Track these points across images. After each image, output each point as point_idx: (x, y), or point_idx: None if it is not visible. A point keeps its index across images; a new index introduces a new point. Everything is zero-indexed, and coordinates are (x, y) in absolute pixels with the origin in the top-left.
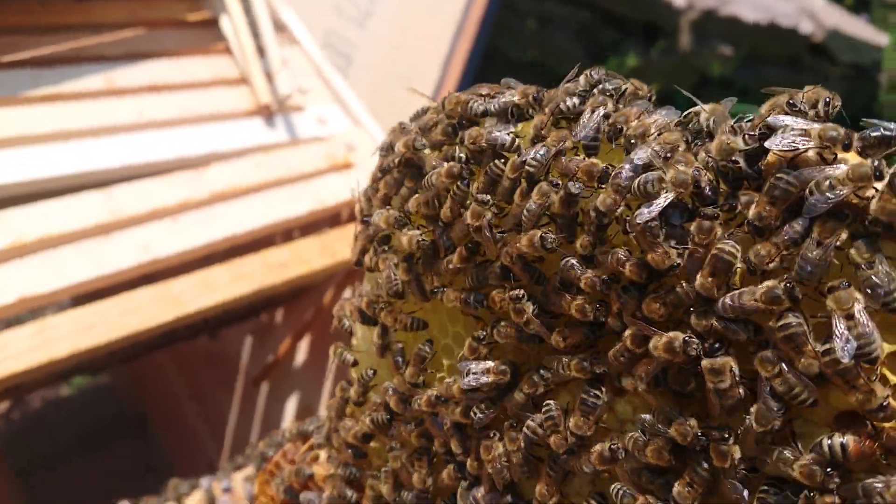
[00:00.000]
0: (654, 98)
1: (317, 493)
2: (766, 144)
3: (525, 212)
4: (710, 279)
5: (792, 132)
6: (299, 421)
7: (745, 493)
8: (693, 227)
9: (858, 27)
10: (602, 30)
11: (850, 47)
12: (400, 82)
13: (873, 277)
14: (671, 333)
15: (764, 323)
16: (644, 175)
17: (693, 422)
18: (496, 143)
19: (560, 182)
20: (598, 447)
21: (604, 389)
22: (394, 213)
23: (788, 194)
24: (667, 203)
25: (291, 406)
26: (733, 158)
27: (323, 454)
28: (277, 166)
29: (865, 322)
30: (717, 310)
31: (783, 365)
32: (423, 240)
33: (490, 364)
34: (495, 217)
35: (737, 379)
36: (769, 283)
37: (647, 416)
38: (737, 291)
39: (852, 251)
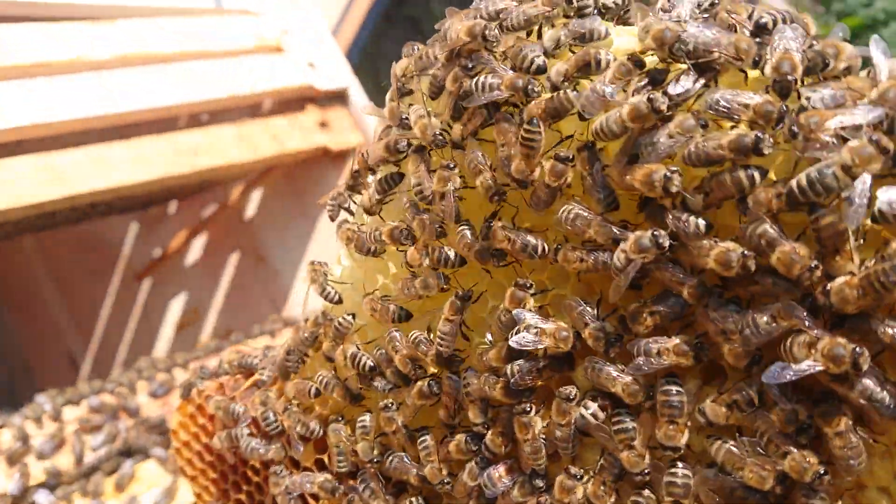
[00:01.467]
0: None
1: (261, 441)
2: None
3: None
4: None
5: None
6: (182, 325)
7: None
8: None
9: None
10: None
11: None
12: None
13: None
14: None
15: None
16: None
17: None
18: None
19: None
20: (680, 474)
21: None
22: (436, 124)
23: None
24: None
25: (176, 307)
26: None
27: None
28: (195, 35)
29: None
30: None
31: None
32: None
33: (550, 326)
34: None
35: None
36: None
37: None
38: None
39: None
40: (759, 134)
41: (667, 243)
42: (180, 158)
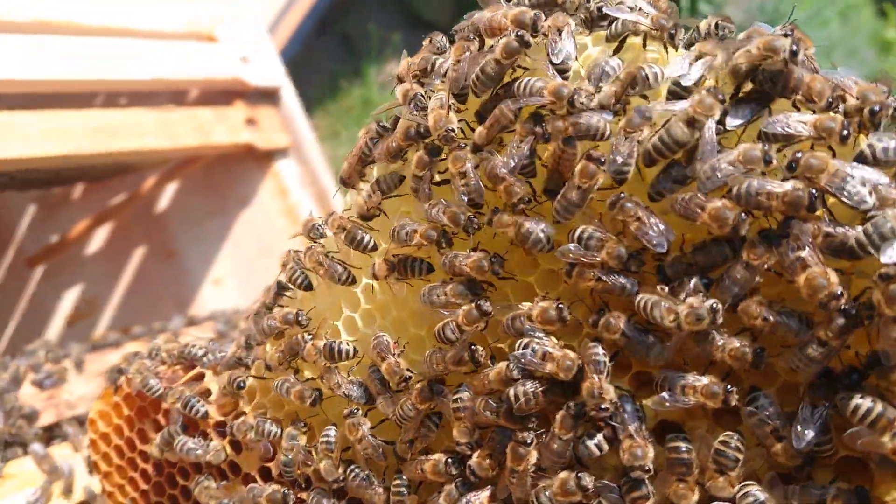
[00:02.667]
0: None
1: (199, 440)
2: None
3: None
4: None
5: None
6: (74, 318)
7: None
8: None
9: None
10: None
11: None
12: None
13: None
14: None
15: None
16: None
17: None
18: None
19: None
20: None
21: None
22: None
23: None
24: None
25: (70, 298)
26: None
27: (215, 387)
28: (124, 12)
29: None
30: None
31: None
32: None
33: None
34: None
35: None
36: None
37: None
38: None
39: None
40: (815, 193)
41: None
42: (94, 137)
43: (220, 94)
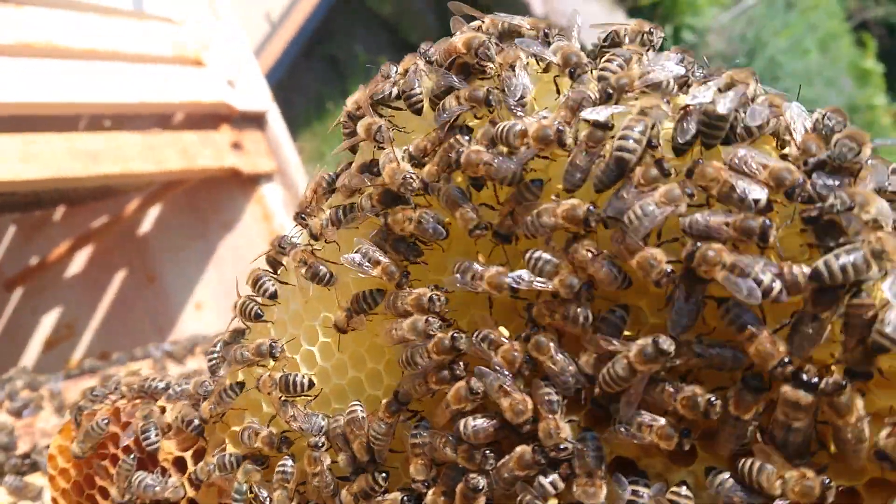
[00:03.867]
0: None
1: (157, 476)
2: None
3: None
4: None
5: None
6: (52, 342)
7: None
8: None
9: None
10: None
11: None
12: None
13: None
14: None
15: None
16: None
17: None
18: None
19: None
20: None
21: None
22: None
23: None
24: None
25: (48, 322)
26: None
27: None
28: (109, 34)
29: None
30: None
31: None
32: None
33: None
34: None
35: None
36: None
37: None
38: None
39: None
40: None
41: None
42: (77, 160)
43: (206, 118)
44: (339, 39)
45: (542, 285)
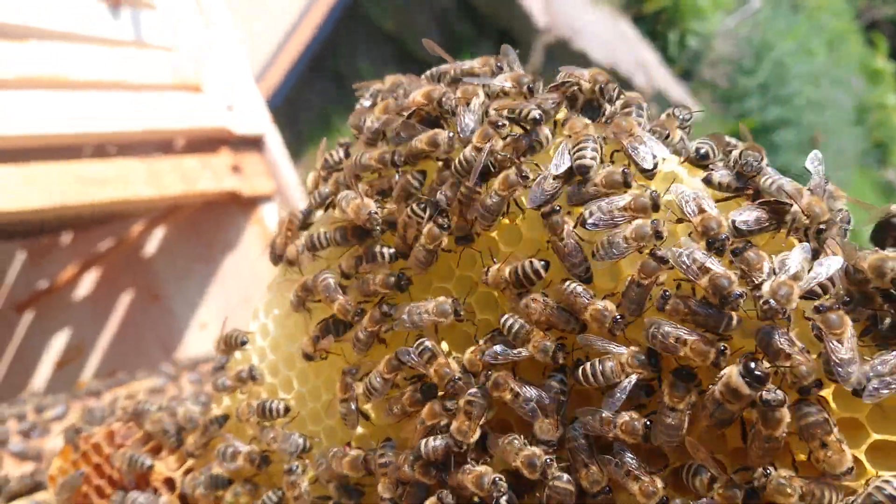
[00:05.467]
0: None
1: (149, 496)
2: None
3: None
4: None
5: None
6: (62, 363)
7: None
8: None
9: (680, 93)
10: (460, 22)
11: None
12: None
13: None
14: None
15: None
16: None
17: None
18: None
19: None
20: None
21: None
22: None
23: None
24: None
25: (58, 343)
26: None
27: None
28: (111, 64)
29: None
30: None
31: None
32: None
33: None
34: None
35: None
36: None
37: None
38: None
39: None
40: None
41: None
42: (82, 188)
43: (206, 142)
44: (344, 55)
45: (517, 356)
